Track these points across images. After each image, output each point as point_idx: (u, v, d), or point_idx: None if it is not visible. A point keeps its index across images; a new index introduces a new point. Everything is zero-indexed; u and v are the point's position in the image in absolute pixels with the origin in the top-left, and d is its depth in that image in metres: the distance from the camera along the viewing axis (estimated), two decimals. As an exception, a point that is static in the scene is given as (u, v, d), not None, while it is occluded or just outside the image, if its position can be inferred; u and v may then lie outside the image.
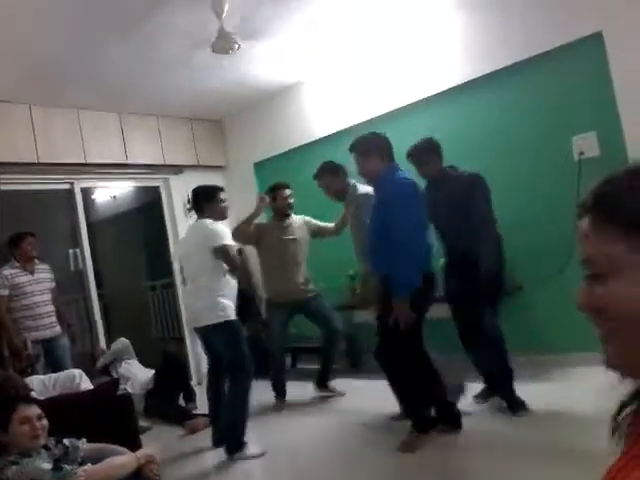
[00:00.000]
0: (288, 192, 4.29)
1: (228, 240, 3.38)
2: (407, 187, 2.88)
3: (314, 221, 4.43)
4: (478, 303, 3.15)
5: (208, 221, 3.46)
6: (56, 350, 4.29)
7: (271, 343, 4.34)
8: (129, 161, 5.33)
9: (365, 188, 3.56)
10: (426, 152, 3.34)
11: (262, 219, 4.47)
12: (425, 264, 2.89)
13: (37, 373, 3.80)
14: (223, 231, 3.42)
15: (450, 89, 4.30)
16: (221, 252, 3.34)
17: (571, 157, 3.72)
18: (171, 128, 5.69)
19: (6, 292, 4.10)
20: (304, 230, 4.36)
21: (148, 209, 6.19)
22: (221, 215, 3.56)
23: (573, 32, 3.65)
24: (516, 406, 3.12)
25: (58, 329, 4.36)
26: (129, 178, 5.65)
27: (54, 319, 4.35)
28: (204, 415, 4.07)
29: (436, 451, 2.84)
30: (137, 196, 6.40)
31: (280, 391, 4.31)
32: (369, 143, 3.02)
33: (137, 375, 4.62)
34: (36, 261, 4.34)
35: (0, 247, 4.36)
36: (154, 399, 4.41)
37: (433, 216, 3.06)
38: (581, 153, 3.66)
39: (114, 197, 6.60)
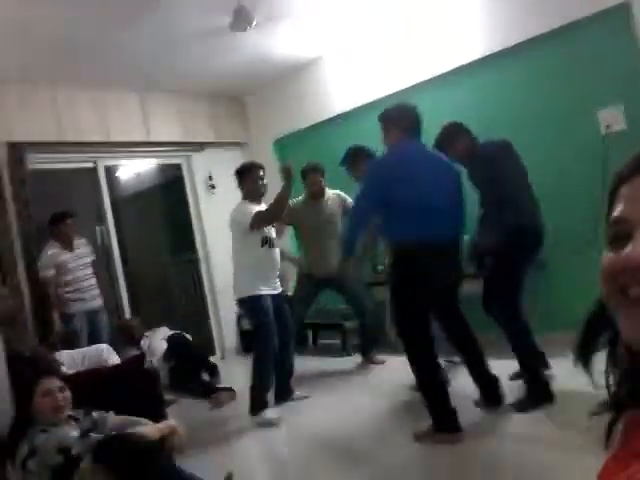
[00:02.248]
0: (319, 177, 4.36)
1: (247, 219, 3.48)
2: (383, 165, 2.90)
3: (348, 200, 4.41)
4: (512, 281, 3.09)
5: (237, 205, 3.60)
6: (97, 323, 4.46)
7: (293, 310, 4.54)
8: (151, 139, 5.37)
9: None
10: (450, 137, 3.26)
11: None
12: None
13: (81, 345, 4.00)
14: (243, 213, 3.51)
15: (474, 62, 4.20)
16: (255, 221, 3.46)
17: (598, 131, 3.63)
18: (192, 105, 5.70)
19: (53, 272, 4.24)
20: (337, 207, 4.42)
21: (171, 186, 6.24)
22: (254, 194, 3.59)
23: (599, 2, 3.52)
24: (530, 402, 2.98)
25: (100, 301, 4.51)
26: (151, 156, 5.71)
27: (97, 292, 4.50)
28: (228, 389, 4.18)
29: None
30: (160, 173, 6.46)
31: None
32: (391, 116, 2.96)
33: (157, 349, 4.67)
34: (75, 237, 4.46)
35: (38, 227, 4.48)
36: (179, 374, 4.51)
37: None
38: (608, 127, 3.57)
39: (138, 174, 6.68)
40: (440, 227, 2.79)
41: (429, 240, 2.74)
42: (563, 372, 3.11)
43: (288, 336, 3.73)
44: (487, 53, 4.12)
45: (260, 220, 3.48)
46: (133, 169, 6.39)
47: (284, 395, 3.76)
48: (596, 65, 3.64)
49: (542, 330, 3.33)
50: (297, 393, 3.83)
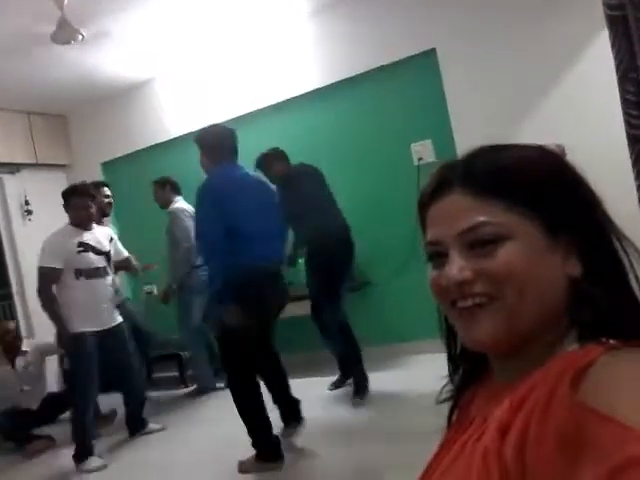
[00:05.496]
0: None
1: (43, 261, 3.28)
2: (216, 185, 2.74)
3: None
4: (326, 294, 3.39)
5: (52, 233, 3.37)
6: None
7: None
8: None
9: (180, 204, 4.09)
10: (271, 159, 3.52)
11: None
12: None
13: None
14: (44, 250, 3.31)
15: (302, 95, 4.44)
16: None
17: (411, 162, 4.05)
18: (4, 122, 5.15)
19: None
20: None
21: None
22: (77, 222, 3.36)
23: (411, 47, 3.99)
24: (359, 390, 3.37)
25: None
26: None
27: None
28: (45, 437, 3.77)
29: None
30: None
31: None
32: (204, 137, 2.91)
33: None
34: None
35: None
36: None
37: (287, 216, 3.13)
38: (420, 159, 4.00)
39: None
40: (267, 250, 2.77)
41: (259, 264, 2.69)
42: (382, 381, 3.44)
43: (130, 367, 3.55)
44: (314, 87, 4.39)
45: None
46: None
47: (137, 427, 3.58)
48: (410, 103, 4.08)
49: (364, 345, 3.57)
50: (151, 425, 3.62)
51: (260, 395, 2.73)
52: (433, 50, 3.93)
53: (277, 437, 2.74)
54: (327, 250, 3.35)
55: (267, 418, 2.72)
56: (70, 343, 3.25)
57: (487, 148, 0.64)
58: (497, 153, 0.63)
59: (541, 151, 0.63)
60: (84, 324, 3.25)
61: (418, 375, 3.36)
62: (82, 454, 3.21)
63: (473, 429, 0.60)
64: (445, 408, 0.74)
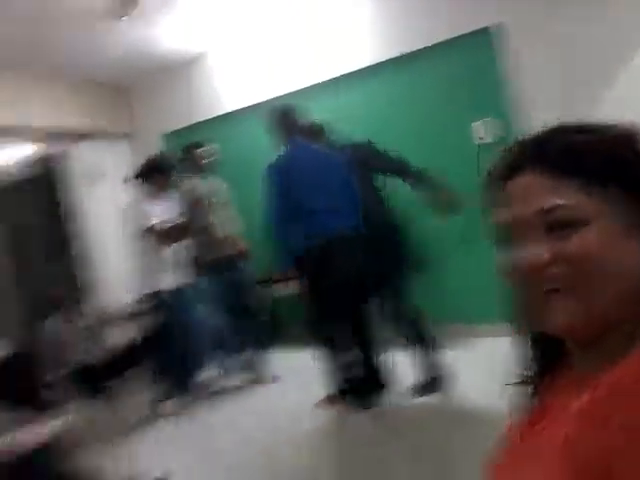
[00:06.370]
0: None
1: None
2: (272, 167, 3.07)
3: None
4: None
5: (142, 199, 3.77)
6: None
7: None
8: (19, 123, 4.87)
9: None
10: (308, 133, 3.42)
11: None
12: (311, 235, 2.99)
13: None
14: (147, 213, 3.68)
15: (360, 70, 4.37)
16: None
17: (471, 141, 3.95)
18: (71, 92, 5.32)
19: None
20: None
21: (40, 181, 5.75)
22: (154, 193, 3.84)
23: (476, 22, 3.84)
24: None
25: None
26: (21, 144, 5.24)
27: None
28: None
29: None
30: (30, 165, 5.92)
31: None
32: (269, 117, 3.22)
33: None
34: None
35: None
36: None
37: None
38: (480, 138, 3.89)
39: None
40: (326, 222, 2.92)
41: (322, 237, 2.90)
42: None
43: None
44: (372, 63, 4.31)
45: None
46: None
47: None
48: (471, 80, 3.95)
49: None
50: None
51: (333, 346, 3.10)
52: (500, 25, 3.78)
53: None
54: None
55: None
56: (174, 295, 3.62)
57: (561, 127, 0.62)
58: (572, 132, 0.61)
59: (618, 130, 0.60)
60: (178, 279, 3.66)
61: (481, 358, 3.32)
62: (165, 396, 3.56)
63: (552, 417, 0.60)
64: (510, 392, 0.73)
